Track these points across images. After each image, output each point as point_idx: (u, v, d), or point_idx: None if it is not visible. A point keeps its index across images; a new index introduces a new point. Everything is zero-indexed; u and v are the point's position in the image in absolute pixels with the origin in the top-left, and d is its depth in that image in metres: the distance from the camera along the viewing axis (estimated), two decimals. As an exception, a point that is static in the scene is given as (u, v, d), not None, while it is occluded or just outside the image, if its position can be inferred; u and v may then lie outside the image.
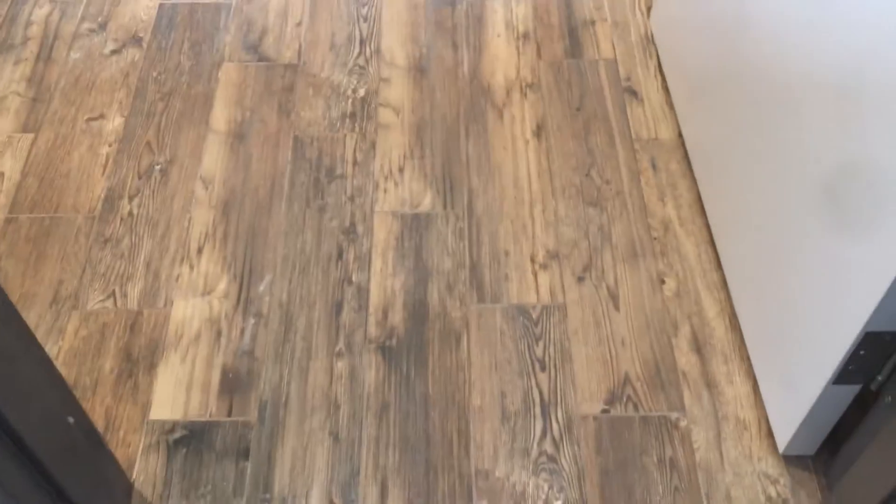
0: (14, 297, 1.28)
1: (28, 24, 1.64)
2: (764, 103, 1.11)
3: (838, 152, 0.92)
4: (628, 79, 1.55)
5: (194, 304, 1.28)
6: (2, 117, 1.50)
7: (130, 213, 1.38)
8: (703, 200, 1.36)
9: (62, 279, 1.31)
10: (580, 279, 1.30)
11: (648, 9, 1.66)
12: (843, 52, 0.91)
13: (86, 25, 1.64)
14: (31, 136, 1.47)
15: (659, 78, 1.55)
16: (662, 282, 1.29)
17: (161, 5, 1.68)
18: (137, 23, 1.65)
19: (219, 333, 1.25)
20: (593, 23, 1.64)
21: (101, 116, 1.50)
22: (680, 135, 1.47)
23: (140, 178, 1.43)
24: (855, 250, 0.89)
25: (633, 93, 1.53)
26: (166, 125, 1.49)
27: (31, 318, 1.26)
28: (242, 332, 1.25)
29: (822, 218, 0.96)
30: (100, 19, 1.65)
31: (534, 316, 1.26)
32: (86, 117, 1.50)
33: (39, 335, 1.23)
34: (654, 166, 1.43)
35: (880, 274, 0.84)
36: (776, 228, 1.08)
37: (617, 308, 1.27)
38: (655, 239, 1.34)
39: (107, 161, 1.45)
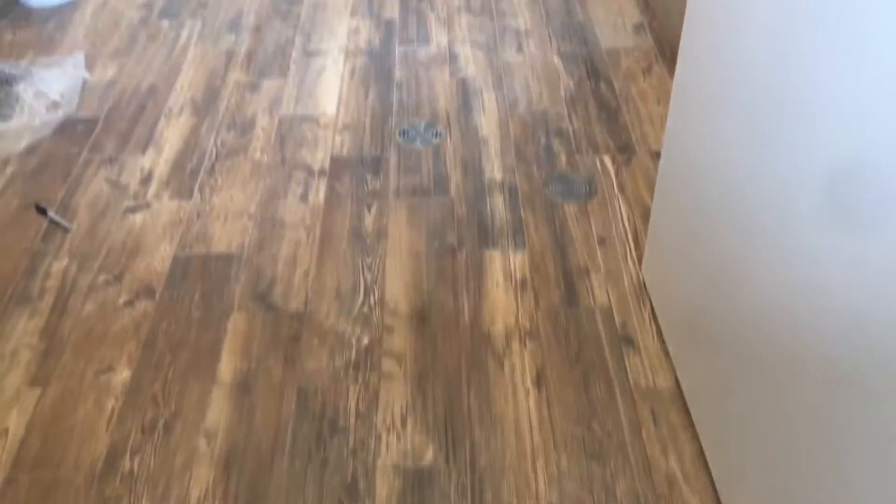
0: (5, 566, 1.25)
1: (46, 276, 1.72)
2: (759, 353, 1.14)
3: (845, 403, 0.94)
4: (624, 327, 1.60)
5: (190, 571, 1.24)
6: (12, 371, 1.53)
7: (131, 472, 1.37)
8: (705, 454, 1.36)
9: (56, 545, 1.28)
10: (586, 541, 1.27)
11: (640, 257, 1.74)
12: (838, 297, 0.95)
13: (102, 277, 1.71)
14: (38, 390, 1.50)
15: (653, 326, 1.60)
16: (671, 544, 1.26)
17: (175, 257, 1.76)
18: (152, 274, 1.72)
19: None
20: (588, 271, 1.72)
21: (110, 369, 1.53)
22: (678, 383, 1.49)
23: (143, 433, 1.43)
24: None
25: (630, 341, 1.57)
26: (173, 377, 1.52)
27: (20, 589, 1.22)
28: None
29: (838, 476, 0.96)
30: (116, 271, 1.73)
31: (540, 583, 1.22)
32: (95, 370, 1.53)
33: None
34: (654, 417, 1.44)
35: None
36: (778, 489, 1.07)
37: (626, 574, 1.23)
38: (661, 497, 1.32)
39: (112, 415, 1.46)
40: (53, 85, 2.22)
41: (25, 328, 1.61)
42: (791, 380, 1.05)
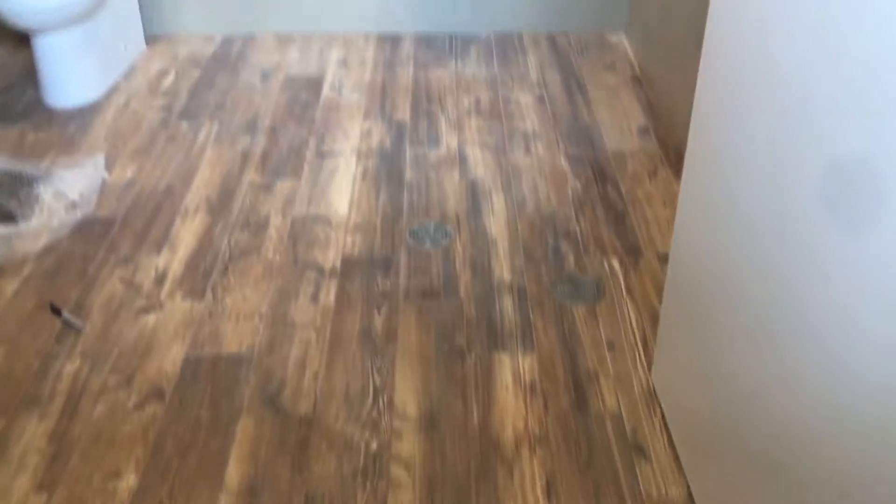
0: None
1: (57, 378, 1.72)
2: (774, 463, 1.12)
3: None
4: (634, 434, 1.59)
5: None
6: (19, 475, 1.52)
7: (135, 583, 1.35)
8: (720, 569, 1.33)
9: None
10: None
11: (649, 363, 1.74)
12: (856, 407, 0.95)
13: (113, 379, 1.72)
14: (45, 496, 1.49)
15: (665, 433, 1.59)
16: None
17: (186, 358, 1.77)
18: (162, 376, 1.73)
19: None
20: (597, 376, 1.72)
21: (118, 475, 1.52)
22: (690, 493, 1.47)
23: (148, 541, 1.41)
24: None
25: (641, 449, 1.56)
26: (180, 484, 1.51)
27: None
28: None
29: None
30: (127, 372, 1.74)
31: None
32: (102, 475, 1.52)
33: None
34: (667, 529, 1.42)
35: None
36: None
37: None
38: None
39: (117, 523, 1.44)
40: (73, 185, 2.28)
41: (35, 431, 1.61)
42: (807, 490, 1.04)
